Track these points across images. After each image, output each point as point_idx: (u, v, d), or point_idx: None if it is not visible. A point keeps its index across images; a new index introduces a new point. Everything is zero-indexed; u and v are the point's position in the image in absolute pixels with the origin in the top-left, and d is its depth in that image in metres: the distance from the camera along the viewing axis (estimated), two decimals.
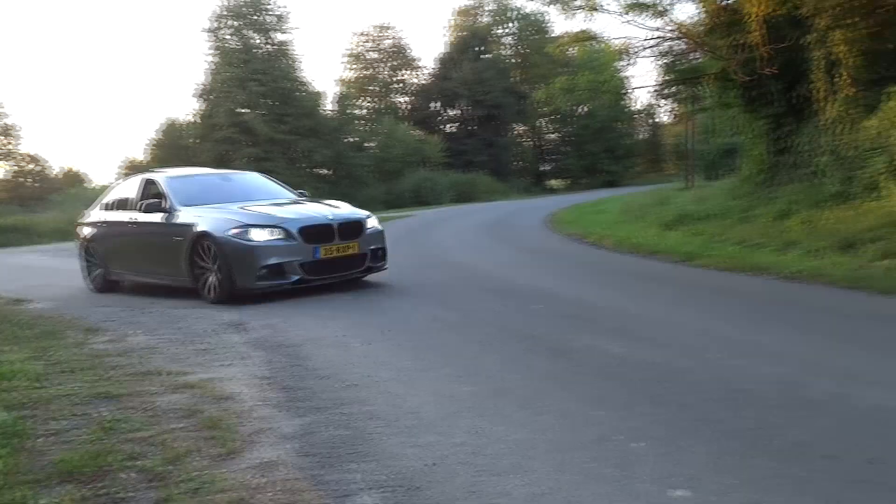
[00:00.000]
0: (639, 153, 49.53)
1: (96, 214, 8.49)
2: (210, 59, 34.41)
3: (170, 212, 7.13)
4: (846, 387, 3.26)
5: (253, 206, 7.08)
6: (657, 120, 51.21)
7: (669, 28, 15.01)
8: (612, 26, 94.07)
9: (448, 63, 44.23)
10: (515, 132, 48.08)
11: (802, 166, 11.22)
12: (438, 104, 45.65)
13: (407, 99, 47.22)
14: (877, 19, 10.21)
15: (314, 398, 3.47)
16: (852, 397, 3.11)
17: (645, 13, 14.82)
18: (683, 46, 16.02)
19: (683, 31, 15.05)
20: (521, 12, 45.03)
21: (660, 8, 14.44)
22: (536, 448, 2.70)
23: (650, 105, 48.99)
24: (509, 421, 3.01)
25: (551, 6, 15.49)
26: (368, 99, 45.56)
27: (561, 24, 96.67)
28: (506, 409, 3.18)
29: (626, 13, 14.75)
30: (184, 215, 6.99)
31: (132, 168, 33.69)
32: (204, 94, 34.43)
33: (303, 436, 2.96)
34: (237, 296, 6.44)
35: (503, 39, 47.72)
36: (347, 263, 6.84)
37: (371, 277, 7.39)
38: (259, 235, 6.45)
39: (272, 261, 6.40)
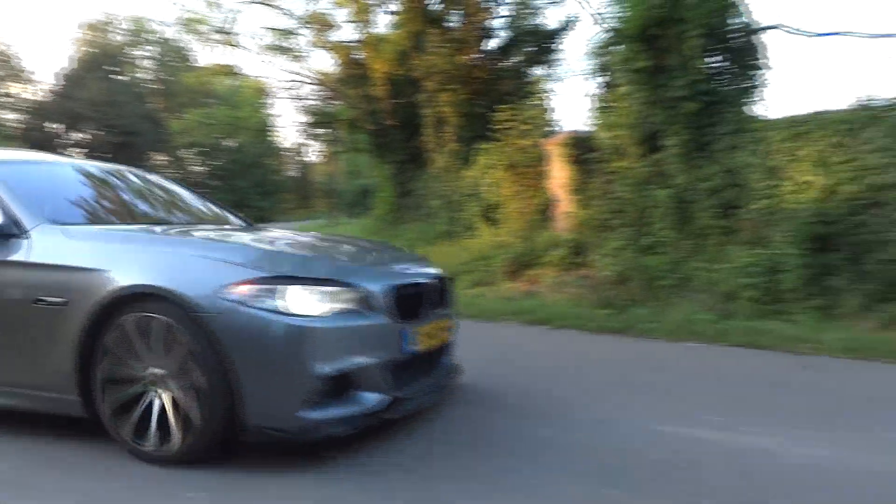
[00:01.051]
0: (288, 190, 50.44)
1: None
2: None
3: (20, 235, 3.00)
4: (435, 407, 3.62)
5: (234, 235, 3.47)
6: (306, 158, 53.04)
7: (308, 73, 15.70)
8: (257, 64, 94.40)
9: (73, 80, 39.09)
10: (156, 162, 44.61)
11: (421, 208, 12.66)
12: (62, 125, 39.86)
13: (18, 116, 40.12)
14: (472, 87, 12.23)
15: None
16: (430, 417, 3.46)
17: (283, 56, 15.26)
18: (322, 91, 16.89)
19: (321, 77, 15.88)
20: (161, 36, 42.36)
21: (296, 53, 15.02)
22: None
23: (299, 144, 50.58)
24: (44, 494, 2.57)
25: (189, 35, 14.92)
26: None
27: (206, 54, 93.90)
28: (49, 479, 2.71)
29: (264, 53, 14.99)
30: (65, 247, 2.96)
31: None
32: None
33: None
34: (247, 444, 2.74)
35: (142, 62, 44.19)
36: (440, 360, 3.50)
37: None
38: (310, 301, 2.72)
39: (340, 363, 2.73)
